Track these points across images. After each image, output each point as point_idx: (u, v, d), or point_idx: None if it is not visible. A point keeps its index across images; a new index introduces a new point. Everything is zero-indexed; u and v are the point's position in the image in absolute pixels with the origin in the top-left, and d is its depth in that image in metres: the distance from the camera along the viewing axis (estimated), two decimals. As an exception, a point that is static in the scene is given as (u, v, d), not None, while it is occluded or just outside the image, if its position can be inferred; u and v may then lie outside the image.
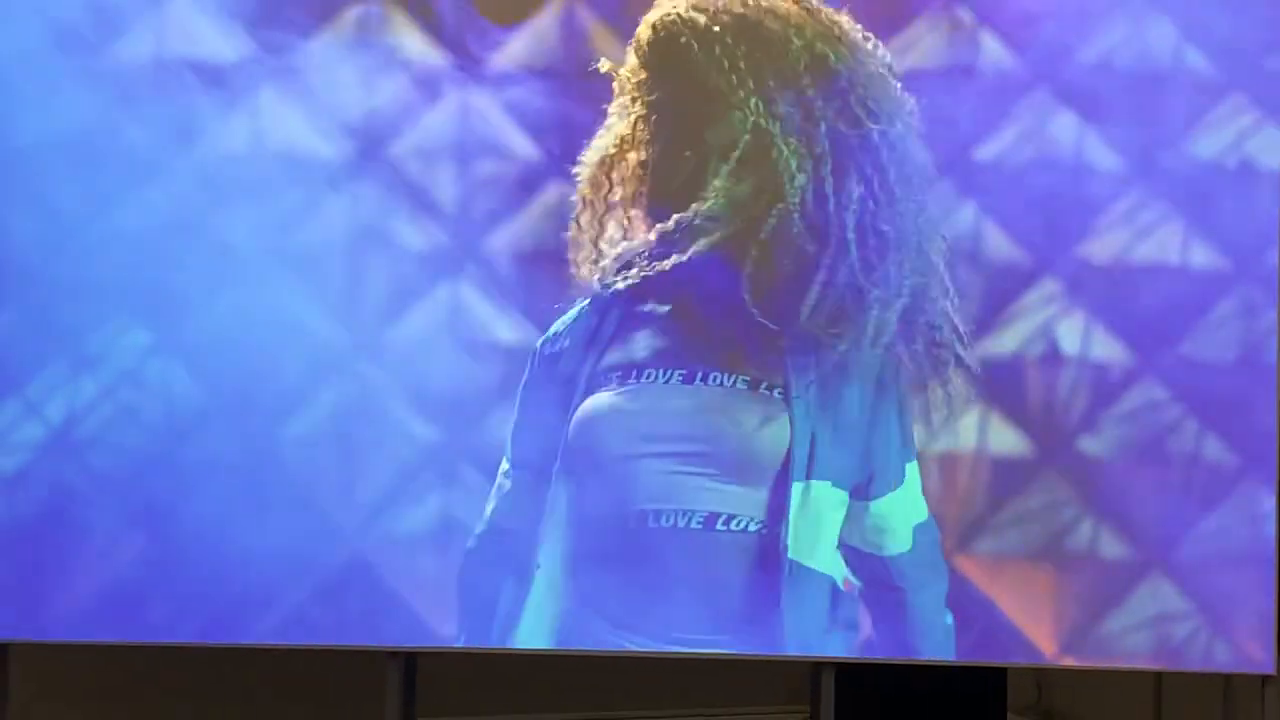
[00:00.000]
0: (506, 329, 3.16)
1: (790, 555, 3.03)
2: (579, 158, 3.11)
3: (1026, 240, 3.18)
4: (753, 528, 3.04)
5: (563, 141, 3.16)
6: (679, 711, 4.40)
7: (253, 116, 3.17)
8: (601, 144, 3.10)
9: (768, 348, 3.06)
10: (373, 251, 3.17)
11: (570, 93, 3.17)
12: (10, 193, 3.15)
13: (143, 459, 3.14)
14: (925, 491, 3.14)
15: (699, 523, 3.04)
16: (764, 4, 3.06)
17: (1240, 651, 3.16)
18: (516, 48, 3.19)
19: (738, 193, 3.05)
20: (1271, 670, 3.17)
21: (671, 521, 3.04)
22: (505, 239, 3.17)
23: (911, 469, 3.08)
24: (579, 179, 3.11)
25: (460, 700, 4.07)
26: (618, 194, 3.08)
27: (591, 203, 3.09)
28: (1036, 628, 3.16)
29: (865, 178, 3.04)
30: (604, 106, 3.14)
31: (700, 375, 3.06)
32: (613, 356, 3.07)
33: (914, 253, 3.06)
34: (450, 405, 3.16)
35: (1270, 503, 3.16)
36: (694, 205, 3.06)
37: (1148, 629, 3.17)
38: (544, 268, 3.16)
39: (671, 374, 3.06)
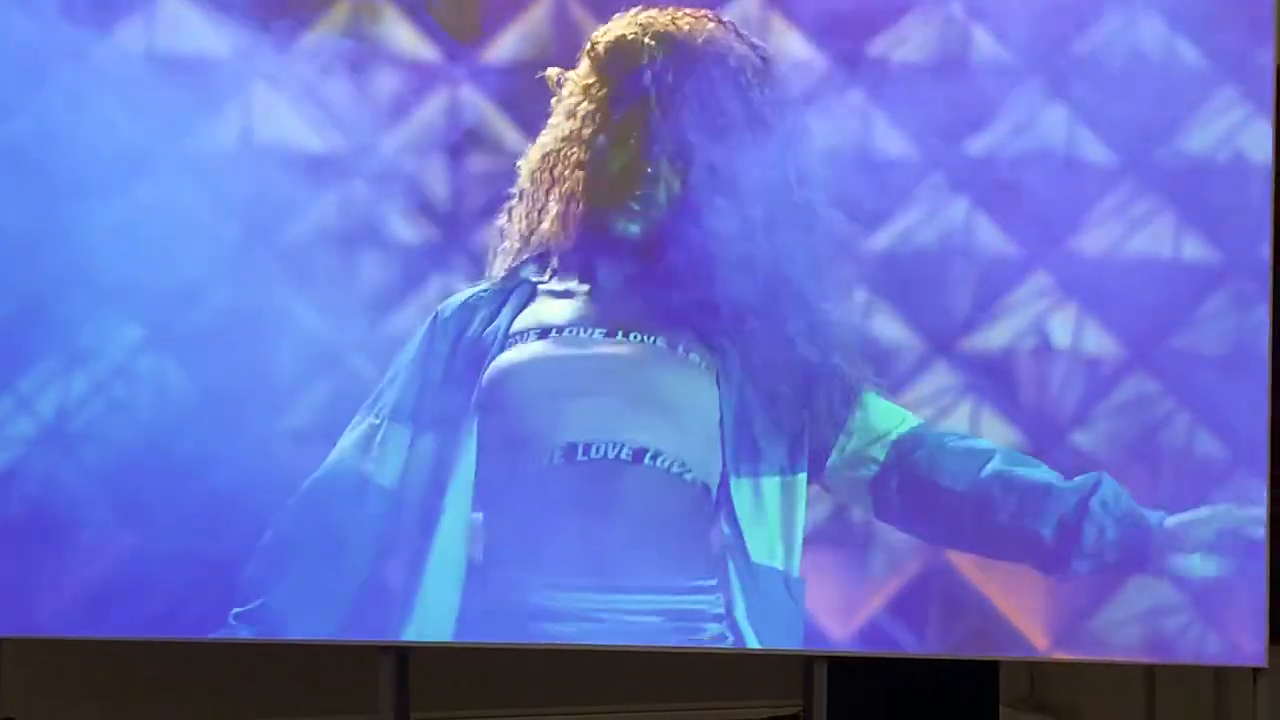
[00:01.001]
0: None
1: (754, 559, 3.05)
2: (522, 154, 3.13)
3: (1018, 234, 3.18)
4: (686, 476, 3.04)
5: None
6: (673, 706, 4.40)
7: (244, 110, 3.16)
8: (545, 140, 3.11)
9: (682, 321, 3.07)
10: (364, 246, 3.16)
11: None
12: (1, 187, 3.15)
13: (135, 454, 3.14)
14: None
15: (628, 454, 3.04)
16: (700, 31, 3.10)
17: (1232, 644, 3.16)
18: (508, 41, 3.19)
19: (658, 195, 3.07)
20: (1263, 663, 3.17)
21: (601, 453, 3.04)
22: (496, 231, 3.17)
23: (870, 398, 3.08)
24: (519, 172, 3.12)
25: (454, 695, 4.07)
26: (555, 190, 3.09)
27: (530, 196, 3.10)
28: (1029, 621, 3.17)
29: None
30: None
31: (621, 333, 3.08)
32: (526, 321, 3.08)
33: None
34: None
35: (1262, 495, 3.16)
36: (626, 203, 3.07)
37: (1140, 622, 3.17)
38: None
39: (593, 330, 3.08)
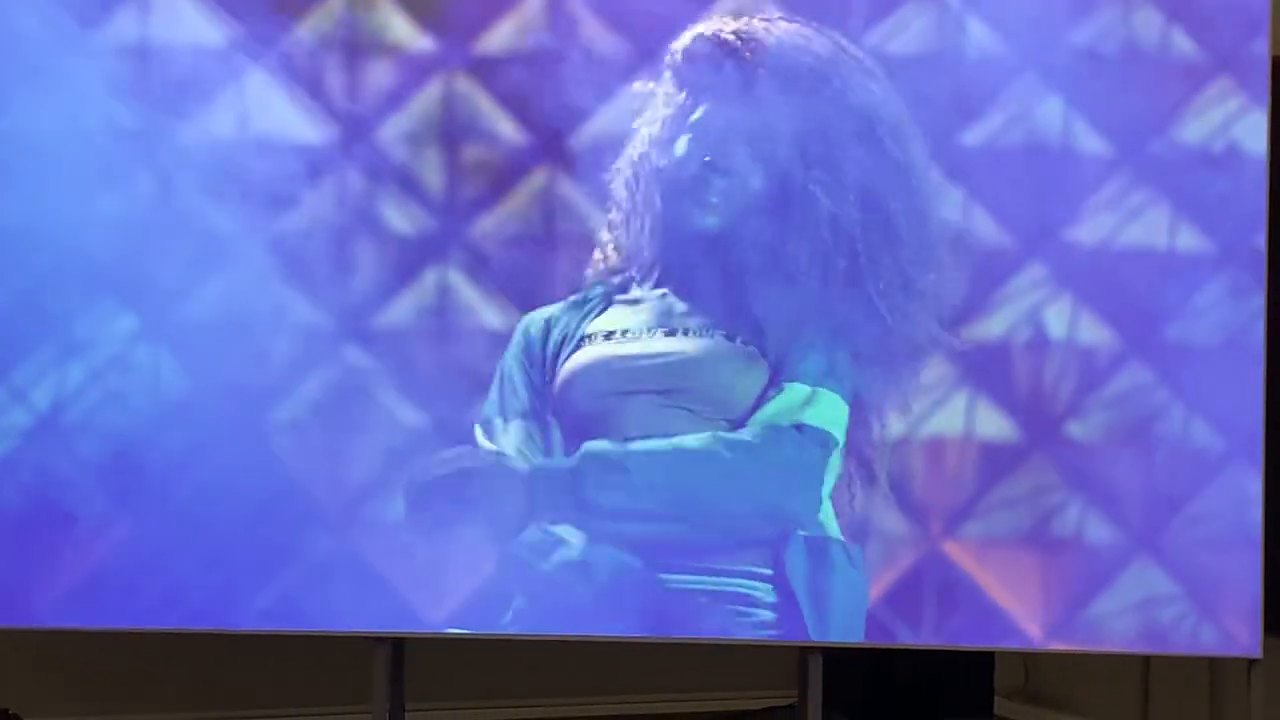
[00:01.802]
0: (493, 314, 3.16)
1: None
2: (614, 164, 3.14)
3: (1014, 224, 3.18)
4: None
5: (550, 126, 3.16)
6: (669, 697, 4.41)
7: (239, 101, 3.16)
8: (631, 152, 3.13)
9: (743, 316, 3.08)
10: (359, 237, 3.16)
11: (558, 77, 3.16)
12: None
13: (129, 445, 3.14)
14: (912, 475, 3.15)
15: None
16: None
17: (1226, 635, 3.17)
18: (504, 31, 3.19)
19: (735, 190, 3.07)
20: (1258, 653, 3.18)
21: None
22: (492, 224, 3.17)
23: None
24: (612, 183, 3.13)
25: (449, 686, 4.08)
26: (639, 197, 3.10)
27: (623, 208, 3.12)
28: (1024, 612, 3.17)
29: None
30: (594, 91, 3.15)
31: (681, 330, 3.09)
32: (597, 324, 3.10)
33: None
34: (437, 391, 3.15)
35: (1257, 486, 3.17)
36: (706, 198, 3.08)
37: (1134, 613, 3.17)
38: (531, 253, 3.17)
39: (655, 330, 3.09)
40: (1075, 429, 3.18)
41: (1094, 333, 3.18)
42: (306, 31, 3.17)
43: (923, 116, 3.15)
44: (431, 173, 3.18)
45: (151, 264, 3.14)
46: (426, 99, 3.17)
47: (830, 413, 3.07)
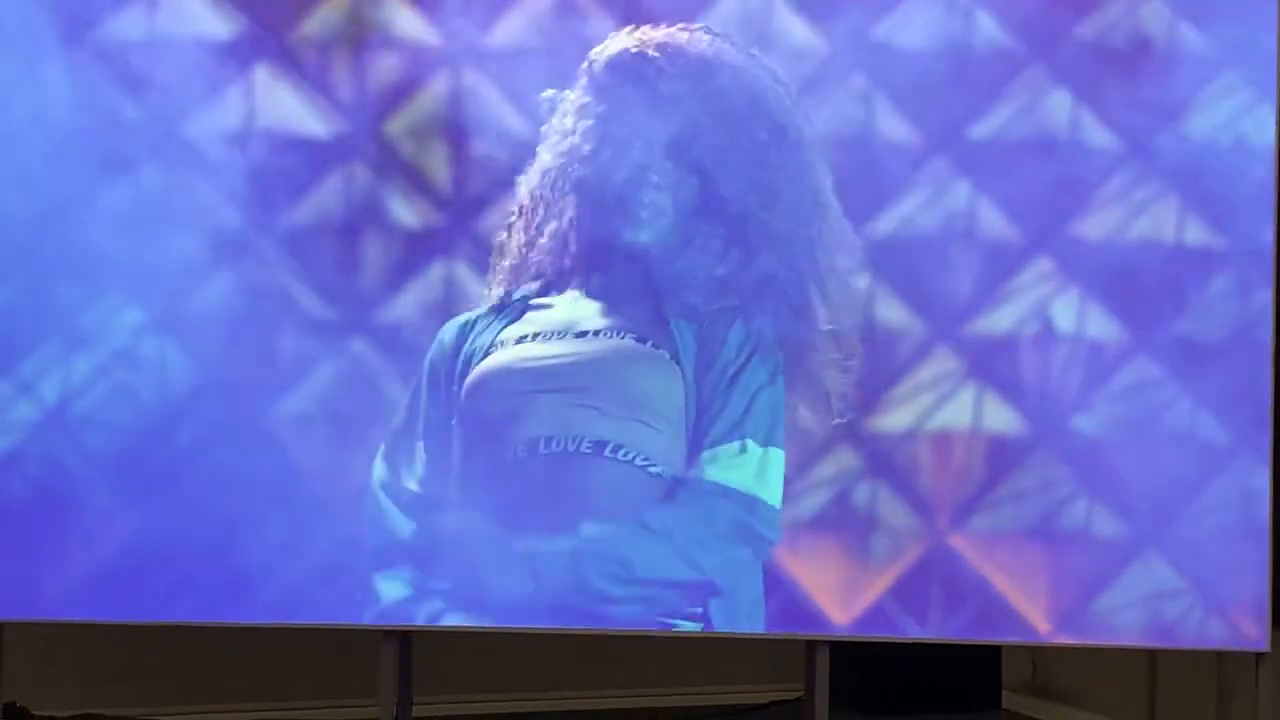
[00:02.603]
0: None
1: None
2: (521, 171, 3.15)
3: (1021, 218, 3.18)
4: (650, 469, 3.05)
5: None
6: (676, 690, 4.41)
7: (246, 95, 3.16)
8: (545, 159, 3.12)
9: (656, 320, 3.09)
10: (366, 230, 3.16)
11: (564, 71, 3.16)
12: (2, 171, 3.15)
13: (136, 437, 3.14)
14: (920, 467, 3.15)
15: (587, 447, 3.06)
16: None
17: (1234, 629, 3.17)
18: (510, 27, 3.19)
19: (663, 201, 3.09)
20: (1265, 647, 3.17)
21: (561, 446, 3.06)
22: (499, 218, 3.17)
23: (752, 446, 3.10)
24: (518, 190, 3.13)
25: (456, 679, 4.08)
26: (555, 207, 3.10)
27: (529, 213, 3.12)
28: (1031, 606, 3.17)
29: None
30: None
31: (591, 332, 3.10)
32: (509, 332, 3.11)
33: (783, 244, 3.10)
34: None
35: (1264, 480, 3.16)
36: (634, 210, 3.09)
37: (1142, 606, 3.17)
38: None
39: (566, 333, 3.10)
40: (1083, 423, 3.17)
41: (1101, 327, 3.18)
42: (314, 25, 3.17)
43: (930, 110, 3.16)
44: (438, 166, 3.17)
45: (158, 257, 3.14)
46: (434, 93, 3.17)
47: (774, 473, 3.09)
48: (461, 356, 3.11)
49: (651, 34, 3.13)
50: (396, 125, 3.17)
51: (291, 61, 3.16)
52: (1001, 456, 3.17)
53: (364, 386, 3.15)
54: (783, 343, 3.09)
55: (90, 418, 3.14)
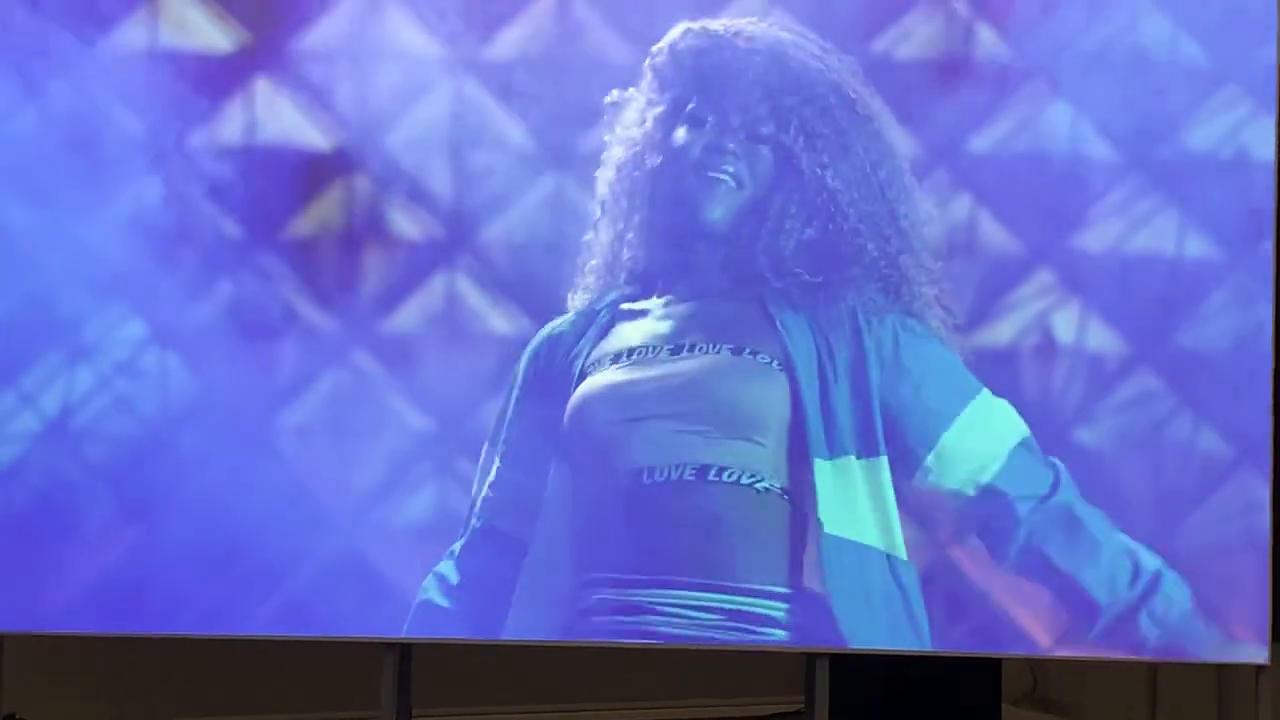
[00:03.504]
0: (502, 321, 3.17)
1: (827, 530, 3.03)
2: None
3: (1021, 231, 3.18)
4: (758, 485, 3.02)
5: (557, 132, 3.17)
6: (676, 703, 4.40)
7: (247, 107, 3.17)
8: (616, 153, 3.12)
9: (757, 321, 3.07)
10: (367, 242, 3.17)
11: (567, 82, 3.17)
12: (4, 183, 3.15)
13: (138, 449, 3.15)
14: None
15: (691, 474, 3.03)
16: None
17: (1234, 642, 3.16)
18: (512, 37, 3.19)
19: (742, 173, 3.07)
20: (1265, 660, 3.17)
21: (665, 475, 3.04)
22: (501, 230, 3.17)
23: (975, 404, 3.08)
24: (597, 187, 3.13)
25: (457, 692, 4.08)
26: (635, 199, 3.09)
27: (611, 210, 3.11)
28: (1031, 618, 3.17)
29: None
30: (601, 98, 3.15)
31: (687, 347, 3.07)
32: (603, 348, 3.08)
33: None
34: (445, 397, 3.16)
35: (1265, 492, 3.16)
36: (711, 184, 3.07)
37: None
38: (540, 259, 3.17)
39: (661, 349, 3.07)
40: (1083, 435, 3.17)
41: (1102, 339, 3.18)
42: (315, 36, 3.17)
43: (930, 122, 3.16)
44: (440, 178, 3.18)
45: (161, 269, 3.15)
46: (435, 104, 3.18)
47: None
48: (552, 371, 3.09)
49: (710, 23, 3.12)
50: (397, 136, 3.18)
51: (293, 74, 3.17)
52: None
53: (365, 399, 3.15)
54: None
55: (92, 430, 3.14)
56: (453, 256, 3.17)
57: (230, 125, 3.17)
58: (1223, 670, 3.63)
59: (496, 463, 3.11)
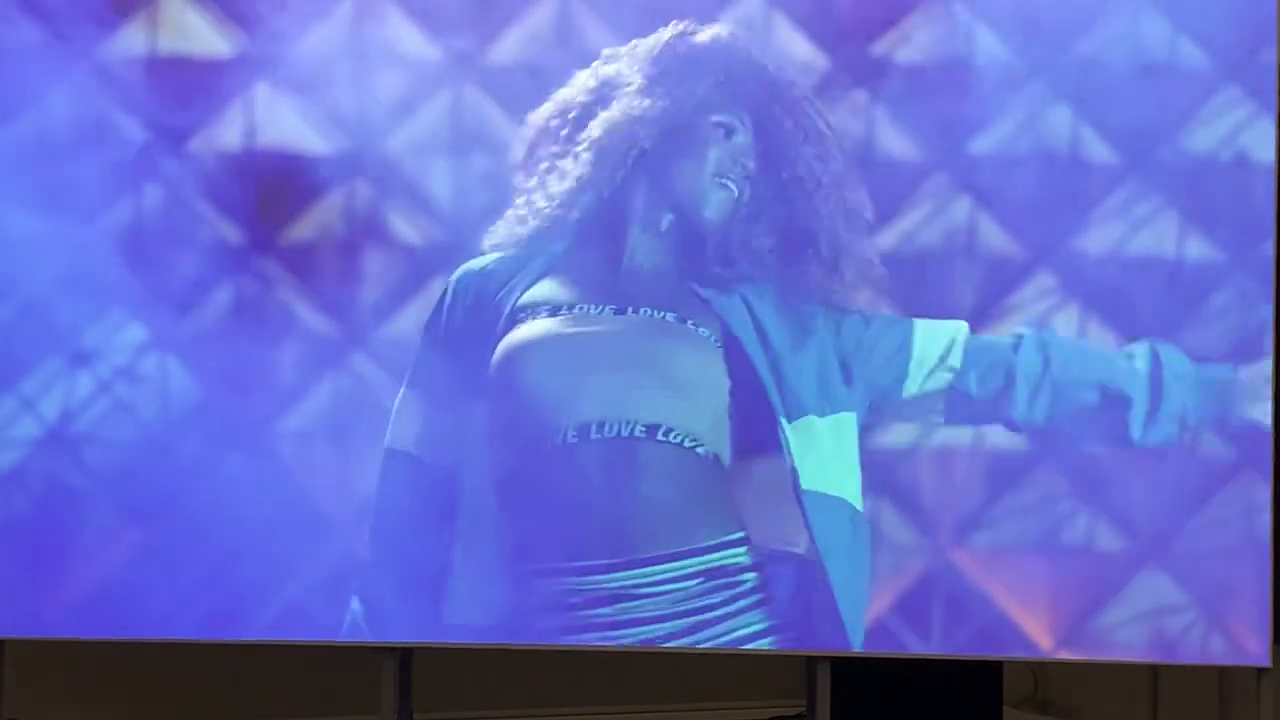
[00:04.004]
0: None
1: (804, 486, 3.05)
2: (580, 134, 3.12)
3: (1022, 233, 3.18)
4: (698, 449, 3.03)
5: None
6: (677, 706, 4.40)
7: (247, 111, 3.17)
8: (613, 115, 3.10)
9: (698, 299, 3.08)
10: (367, 246, 3.17)
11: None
12: (3, 187, 3.15)
13: (138, 455, 3.14)
14: (921, 482, 3.15)
15: (641, 431, 3.03)
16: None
17: (1236, 644, 3.16)
18: (511, 41, 3.19)
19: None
20: (1267, 663, 3.17)
21: (614, 430, 3.04)
22: (501, 235, 3.17)
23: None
24: (591, 127, 3.10)
25: (457, 695, 4.07)
26: (607, 161, 3.09)
27: (576, 157, 3.10)
28: (1033, 621, 3.17)
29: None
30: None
31: (631, 309, 3.08)
32: (535, 295, 3.08)
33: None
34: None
35: (1266, 495, 3.16)
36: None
37: (1144, 622, 3.17)
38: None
39: (604, 308, 3.08)
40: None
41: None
42: (314, 42, 3.17)
43: (931, 125, 3.16)
44: (439, 182, 3.18)
45: (161, 273, 3.14)
46: (434, 108, 3.18)
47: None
48: (478, 307, 3.08)
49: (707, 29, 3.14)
50: (397, 141, 3.18)
51: (292, 78, 3.17)
52: (1003, 471, 3.17)
53: (365, 403, 3.15)
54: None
55: (92, 435, 3.14)
56: (452, 260, 3.17)
57: (230, 130, 3.17)
58: (1224, 673, 3.63)
59: (422, 400, 3.10)
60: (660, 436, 3.03)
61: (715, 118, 3.09)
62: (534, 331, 3.05)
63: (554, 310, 3.06)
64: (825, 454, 3.06)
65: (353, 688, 3.76)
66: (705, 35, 3.13)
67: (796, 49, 3.17)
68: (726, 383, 3.05)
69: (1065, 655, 3.20)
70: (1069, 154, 3.18)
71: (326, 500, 3.14)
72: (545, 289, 3.08)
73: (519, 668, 4.06)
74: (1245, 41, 3.18)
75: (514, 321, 3.05)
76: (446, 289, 3.12)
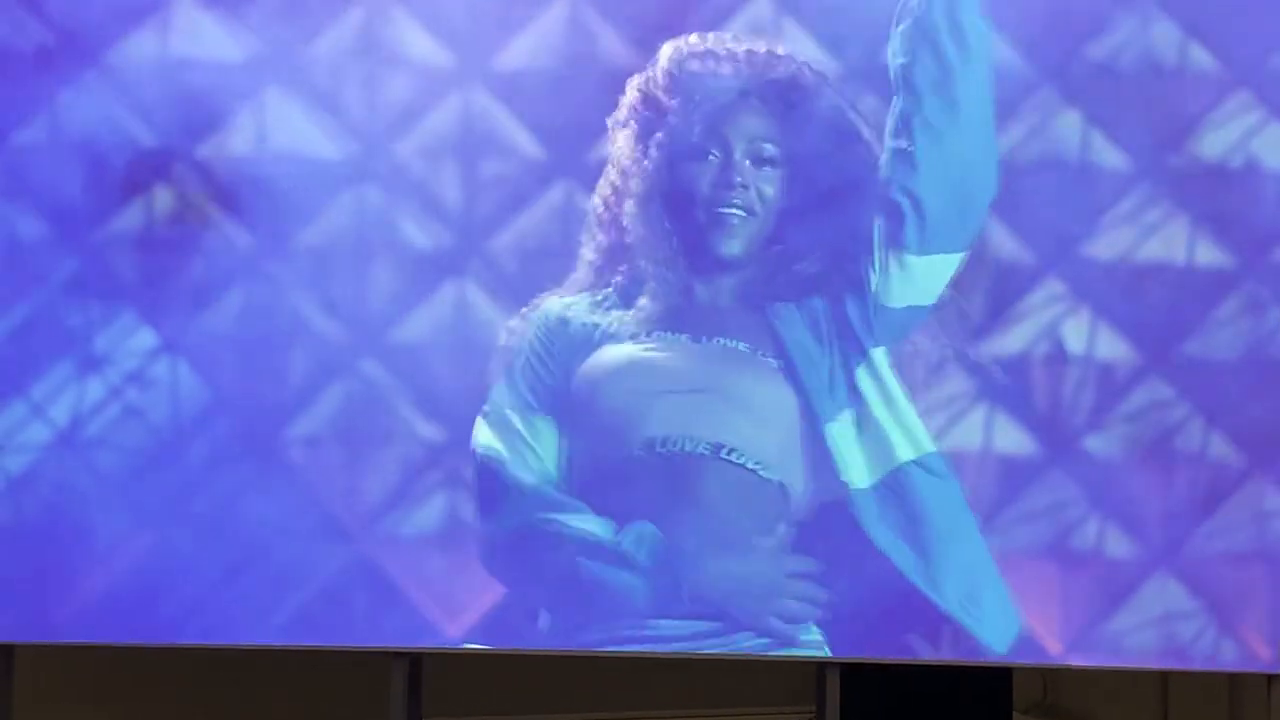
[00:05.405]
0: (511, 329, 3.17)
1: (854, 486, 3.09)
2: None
3: (1032, 239, 3.17)
4: (762, 473, 3.07)
5: (568, 140, 3.17)
6: (686, 712, 4.40)
7: (257, 115, 3.17)
8: (612, 177, 3.15)
9: (760, 323, 3.11)
10: (377, 251, 3.17)
11: (575, 91, 3.17)
12: (14, 192, 3.16)
13: (148, 459, 3.15)
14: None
15: (706, 449, 3.08)
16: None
17: (1247, 650, 3.16)
18: (521, 47, 3.19)
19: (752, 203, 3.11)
20: (1278, 669, 3.16)
21: (679, 446, 3.08)
22: (510, 238, 3.17)
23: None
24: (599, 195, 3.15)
25: (467, 701, 4.07)
26: (640, 216, 3.13)
27: (613, 216, 3.13)
28: (1043, 627, 3.16)
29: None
30: (611, 108, 3.16)
31: (705, 338, 3.12)
32: (624, 322, 3.12)
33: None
34: (455, 405, 3.16)
35: (1277, 500, 3.16)
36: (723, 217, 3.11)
37: (1154, 628, 3.16)
38: (549, 267, 3.17)
39: (680, 335, 3.11)
40: (1094, 443, 3.17)
41: (1112, 347, 3.17)
42: (325, 45, 3.18)
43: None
44: (449, 187, 3.18)
45: (171, 278, 3.15)
46: (444, 113, 3.18)
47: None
48: (565, 342, 3.13)
49: (701, 41, 3.15)
50: (407, 145, 3.18)
51: (302, 82, 3.17)
52: (1012, 477, 3.16)
53: (375, 407, 3.15)
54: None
55: (102, 439, 3.15)
56: (462, 265, 3.17)
57: (240, 134, 3.17)
58: (1235, 679, 3.62)
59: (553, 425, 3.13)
60: (724, 455, 3.07)
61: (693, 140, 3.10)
62: (614, 352, 3.11)
63: (635, 336, 3.12)
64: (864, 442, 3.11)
65: (363, 693, 3.77)
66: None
67: (806, 52, 3.17)
68: (796, 415, 3.09)
69: (1075, 661, 3.19)
70: (1079, 160, 3.18)
71: (336, 504, 3.15)
72: (630, 318, 3.12)
73: (527, 673, 4.06)
74: (1256, 46, 3.17)
75: (601, 344, 3.11)
76: (531, 323, 3.14)
